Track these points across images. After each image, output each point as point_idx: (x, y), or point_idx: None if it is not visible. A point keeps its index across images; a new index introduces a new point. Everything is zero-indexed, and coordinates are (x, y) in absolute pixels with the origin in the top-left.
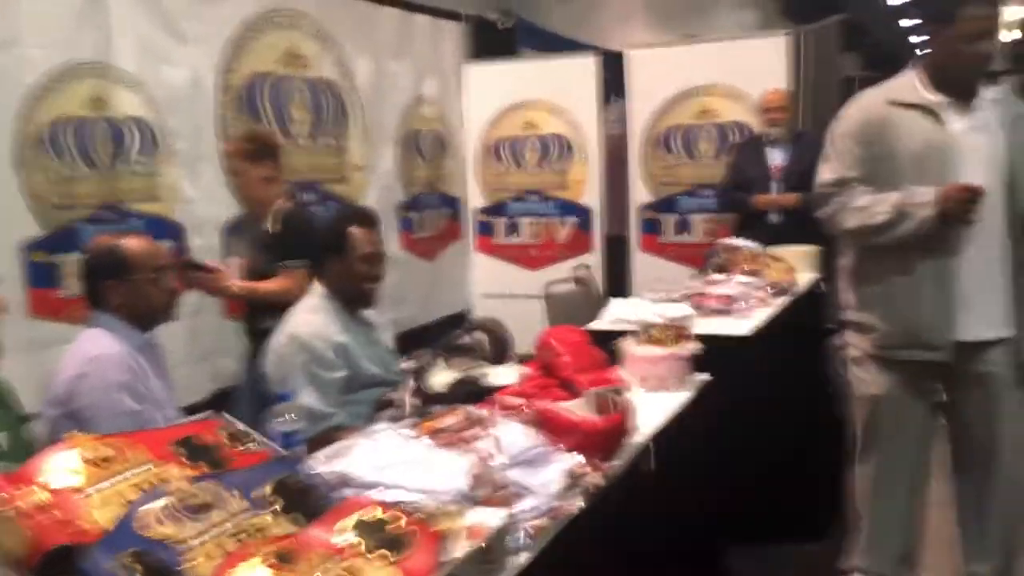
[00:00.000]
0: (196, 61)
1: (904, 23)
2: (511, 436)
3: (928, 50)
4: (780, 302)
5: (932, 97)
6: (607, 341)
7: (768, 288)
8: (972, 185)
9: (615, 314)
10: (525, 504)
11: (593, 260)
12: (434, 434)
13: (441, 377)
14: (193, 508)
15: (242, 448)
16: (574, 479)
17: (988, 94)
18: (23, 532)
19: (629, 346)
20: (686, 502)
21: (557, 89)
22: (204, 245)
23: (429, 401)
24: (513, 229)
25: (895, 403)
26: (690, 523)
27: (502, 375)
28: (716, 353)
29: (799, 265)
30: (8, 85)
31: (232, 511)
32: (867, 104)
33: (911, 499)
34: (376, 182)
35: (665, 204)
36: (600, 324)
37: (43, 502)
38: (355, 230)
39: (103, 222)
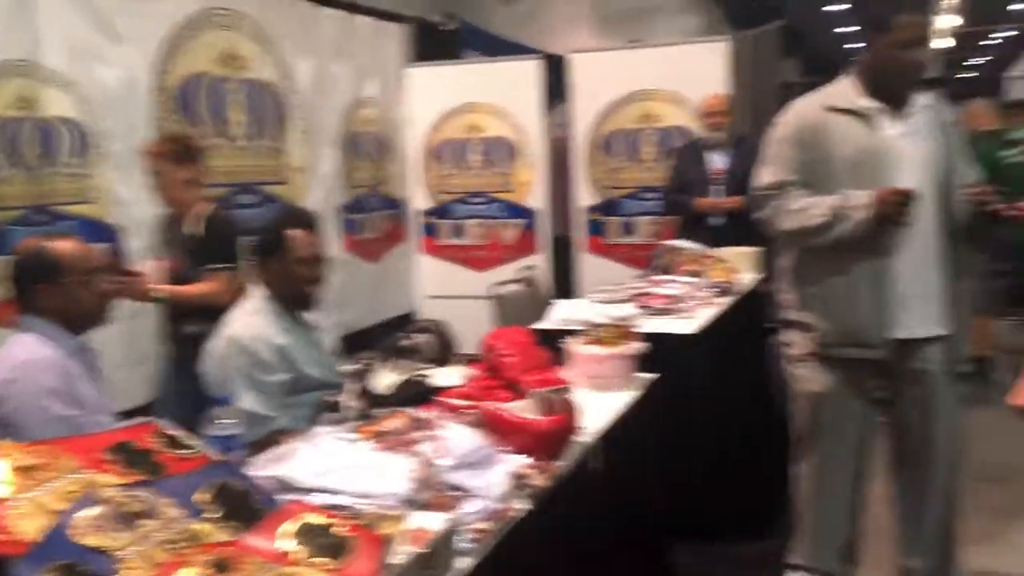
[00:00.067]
0: (130, 61)
1: (842, 30)
2: (456, 438)
3: (863, 57)
4: (723, 302)
5: (867, 103)
6: (554, 341)
7: (711, 288)
8: (905, 188)
9: (561, 315)
10: (469, 507)
11: (539, 261)
12: (377, 437)
13: (385, 379)
14: (127, 516)
15: (179, 454)
16: (519, 481)
17: (921, 100)
18: None
19: (575, 346)
20: (632, 501)
21: (500, 92)
22: (142, 247)
23: (373, 404)
24: (458, 231)
25: (835, 400)
26: (636, 522)
27: (447, 377)
28: (661, 352)
29: (741, 266)
30: None
31: (168, 519)
32: (803, 110)
33: (852, 495)
34: (317, 184)
35: (609, 206)
36: (546, 324)
37: None
38: (294, 232)
39: (32, 224)
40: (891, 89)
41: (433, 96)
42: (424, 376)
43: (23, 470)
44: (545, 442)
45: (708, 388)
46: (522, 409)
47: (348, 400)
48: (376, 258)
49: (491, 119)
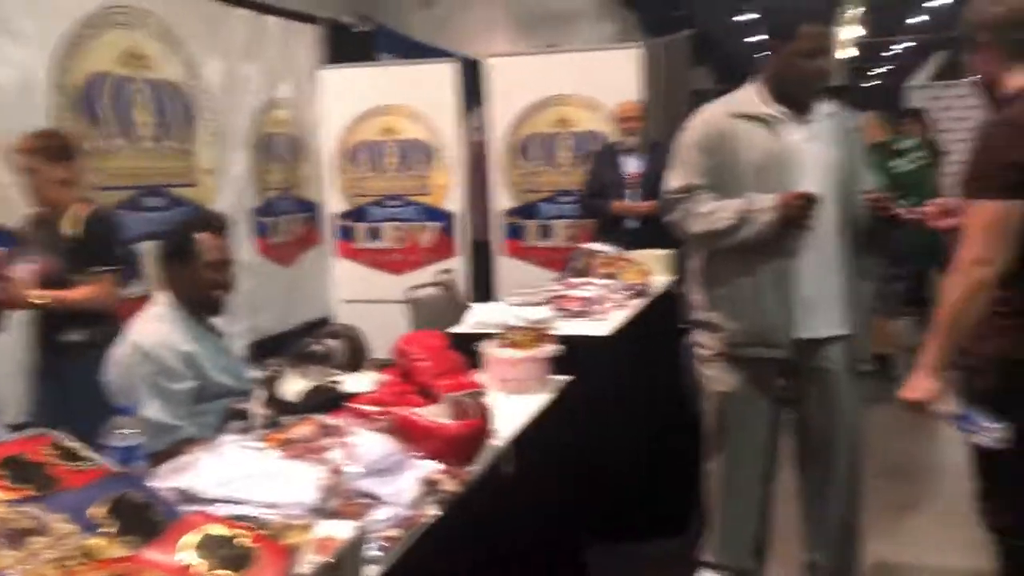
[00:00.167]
0: (27, 60)
1: (752, 40)
2: (366, 445)
3: (769, 64)
4: (637, 303)
5: (771, 109)
6: (469, 345)
7: (625, 290)
8: (808, 192)
9: (478, 318)
10: (379, 514)
11: (457, 265)
12: (285, 445)
13: (294, 386)
14: (14, 534)
15: (75, 466)
16: (430, 486)
17: (824, 107)
18: None
19: (490, 349)
20: (546, 503)
21: (416, 95)
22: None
23: (281, 411)
24: (374, 234)
25: (742, 399)
26: (551, 523)
27: (358, 382)
28: (576, 354)
29: (654, 268)
30: None
31: (59, 535)
32: (710, 116)
33: (760, 492)
34: (228, 186)
35: (527, 210)
36: (463, 328)
37: None
38: (201, 236)
39: None
40: (795, 96)
41: (347, 98)
42: (335, 382)
43: None
44: (457, 447)
45: (623, 389)
46: (434, 414)
47: (256, 407)
48: (289, 262)
49: (407, 122)
